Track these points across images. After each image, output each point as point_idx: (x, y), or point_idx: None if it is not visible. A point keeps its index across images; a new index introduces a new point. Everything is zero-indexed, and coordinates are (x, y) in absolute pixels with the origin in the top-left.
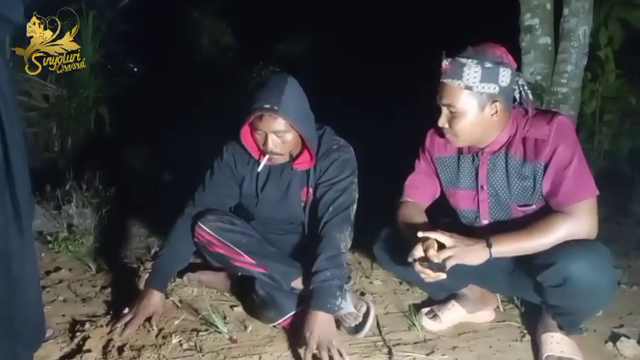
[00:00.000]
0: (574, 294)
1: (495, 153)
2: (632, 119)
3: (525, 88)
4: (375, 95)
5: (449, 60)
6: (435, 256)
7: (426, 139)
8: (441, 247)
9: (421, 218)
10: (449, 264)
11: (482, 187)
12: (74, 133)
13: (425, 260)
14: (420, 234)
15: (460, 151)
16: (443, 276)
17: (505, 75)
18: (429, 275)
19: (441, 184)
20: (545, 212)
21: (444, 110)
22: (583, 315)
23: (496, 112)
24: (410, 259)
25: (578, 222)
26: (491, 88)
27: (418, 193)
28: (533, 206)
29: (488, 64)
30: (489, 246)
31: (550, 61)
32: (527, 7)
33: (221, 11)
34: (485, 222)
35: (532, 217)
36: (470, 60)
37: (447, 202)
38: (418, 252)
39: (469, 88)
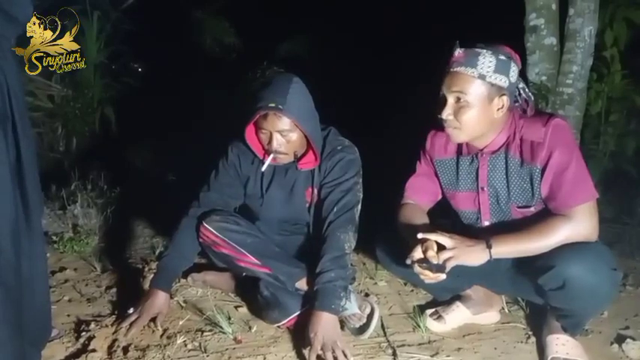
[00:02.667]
0: (574, 296)
1: (495, 153)
2: (638, 119)
3: (526, 90)
4: (379, 95)
5: (462, 49)
6: (433, 257)
7: (427, 141)
8: (441, 248)
9: (421, 220)
10: (449, 265)
11: (482, 188)
12: (79, 133)
13: (424, 261)
14: (419, 235)
15: (459, 152)
16: (442, 277)
17: (515, 71)
18: (428, 276)
19: (441, 186)
20: (545, 215)
21: (450, 100)
22: (585, 317)
23: (502, 106)
24: (408, 262)
25: (578, 225)
26: (502, 81)
27: (419, 195)
28: (532, 208)
29: (502, 57)
30: (489, 247)
31: (555, 61)
32: (532, 8)
33: (224, 11)
34: (487, 223)
35: (532, 219)
36: (485, 50)
37: (448, 204)
38: (417, 254)
39: (482, 77)
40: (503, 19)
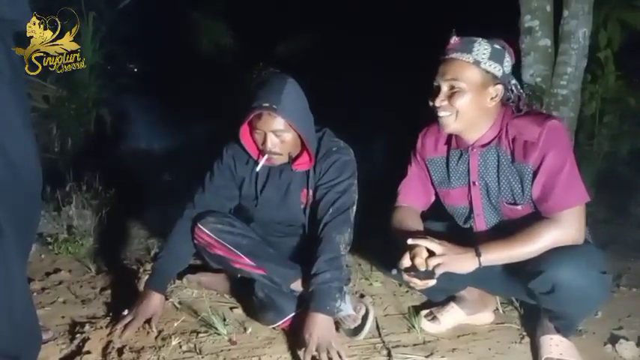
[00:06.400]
0: (564, 300)
1: (485, 147)
2: (632, 121)
3: (518, 87)
4: (377, 96)
5: (458, 37)
6: (421, 264)
7: (417, 141)
8: (431, 254)
9: (414, 224)
10: (438, 272)
11: (473, 182)
12: (74, 134)
13: (412, 269)
14: (409, 241)
15: (449, 147)
16: (431, 284)
17: (508, 62)
18: (417, 284)
19: (434, 186)
20: (534, 218)
21: (444, 88)
22: (576, 319)
23: (496, 96)
24: (394, 272)
25: (565, 229)
26: (497, 69)
27: (412, 198)
28: (519, 207)
29: (497, 46)
30: (478, 255)
31: (550, 62)
32: (527, 9)
33: (221, 13)
34: (480, 220)
35: (520, 224)
36: (480, 39)
37: (441, 205)
38: (405, 261)
39: (477, 63)
40: (497, 20)
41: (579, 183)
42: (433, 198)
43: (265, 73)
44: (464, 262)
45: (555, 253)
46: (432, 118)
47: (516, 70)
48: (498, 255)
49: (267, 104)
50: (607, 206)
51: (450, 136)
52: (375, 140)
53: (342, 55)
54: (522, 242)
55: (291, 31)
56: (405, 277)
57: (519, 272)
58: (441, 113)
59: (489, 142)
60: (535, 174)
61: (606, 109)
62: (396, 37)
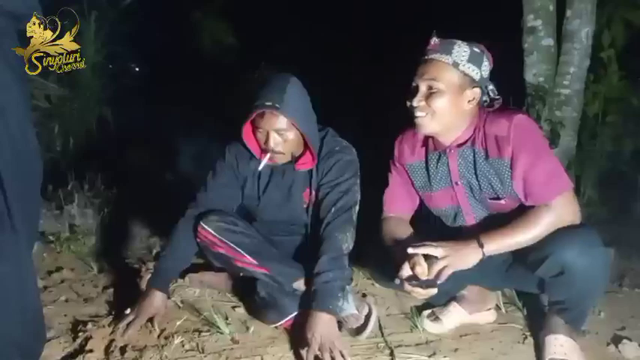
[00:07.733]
0: (574, 281)
1: (462, 147)
2: (635, 120)
3: (495, 91)
4: (379, 95)
5: (438, 39)
6: (422, 273)
7: (395, 149)
8: (428, 258)
9: (405, 233)
10: (445, 274)
11: (456, 183)
12: (76, 133)
13: (413, 279)
14: (409, 250)
15: (427, 150)
16: (433, 292)
17: (486, 66)
18: (419, 294)
19: (417, 191)
20: (523, 207)
21: (422, 88)
22: (585, 305)
23: (473, 99)
24: (397, 282)
25: (560, 215)
26: (474, 72)
27: (398, 207)
28: (502, 201)
29: (476, 49)
30: (481, 246)
31: (553, 62)
32: (530, 9)
33: (223, 12)
34: (470, 218)
35: (513, 215)
36: (460, 41)
37: (425, 208)
38: (406, 271)
39: (456, 64)
40: (500, 20)
41: (559, 172)
42: (418, 202)
43: (267, 72)
44: (468, 256)
45: (557, 236)
46: (404, 122)
47: (519, 70)
48: (500, 244)
49: (269, 103)
50: (610, 206)
51: (426, 140)
52: (377, 139)
53: (342, 55)
54: (522, 228)
55: (292, 31)
56: (407, 287)
57: (523, 263)
58: (418, 113)
59: (465, 142)
60: (512, 168)
61: (609, 109)
62: (396, 37)
